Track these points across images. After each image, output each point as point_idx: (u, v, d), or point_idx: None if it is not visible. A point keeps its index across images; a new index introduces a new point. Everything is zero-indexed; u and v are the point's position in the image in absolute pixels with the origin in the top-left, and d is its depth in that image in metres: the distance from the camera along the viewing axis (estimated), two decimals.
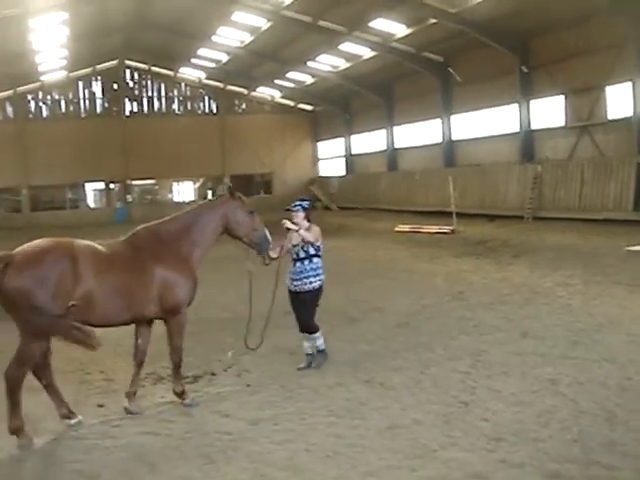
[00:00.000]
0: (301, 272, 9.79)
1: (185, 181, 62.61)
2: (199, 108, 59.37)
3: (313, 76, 49.45)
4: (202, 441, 7.31)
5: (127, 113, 57.22)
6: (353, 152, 55.37)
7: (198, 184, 62.77)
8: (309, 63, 45.93)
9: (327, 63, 45.78)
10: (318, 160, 62.06)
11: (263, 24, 40.02)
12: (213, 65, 52.01)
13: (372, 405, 8.12)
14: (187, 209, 8.85)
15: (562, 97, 32.57)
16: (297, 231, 9.69)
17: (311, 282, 9.81)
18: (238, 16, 39.44)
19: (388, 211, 42.66)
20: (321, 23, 38.27)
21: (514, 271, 17.91)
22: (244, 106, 60.35)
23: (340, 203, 52.68)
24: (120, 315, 7.98)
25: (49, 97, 55.43)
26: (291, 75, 50.60)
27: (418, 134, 45.37)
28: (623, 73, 28.30)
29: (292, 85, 53.59)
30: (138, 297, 7.99)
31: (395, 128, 47.89)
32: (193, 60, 51.94)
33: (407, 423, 7.49)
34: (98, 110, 56.84)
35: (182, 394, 8.50)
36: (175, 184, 62.90)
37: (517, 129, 35.26)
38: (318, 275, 9.89)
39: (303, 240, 9.75)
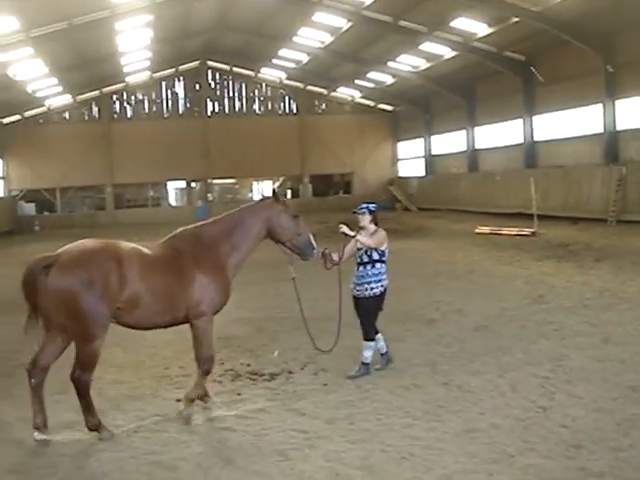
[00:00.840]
0: (363, 277, 9.49)
1: (265, 180, 63.14)
2: (279, 108, 59.84)
3: (393, 76, 49.29)
4: (278, 438, 7.36)
5: (209, 113, 58.12)
6: (433, 153, 54.97)
7: (278, 183, 63.23)
8: (389, 63, 45.83)
9: (407, 63, 45.59)
10: (398, 160, 61.80)
11: (344, 24, 40.12)
12: (294, 65, 52.34)
13: (449, 408, 8.04)
14: (233, 210, 8.66)
15: None
16: (354, 237, 9.34)
17: (372, 288, 9.45)
18: (319, 17, 39.62)
19: (468, 212, 42.27)
20: (402, 23, 38.17)
21: (596, 275, 17.50)
22: (324, 106, 60.57)
23: (419, 204, 52.45)
24: (160, 318, 7.93)
25: (133, 97, 56.83)
26: (371, 75, 50.57)
27: (499, 135, 44.79)
28: None
29: (372, 85, 53.54)
30: (177, 300, 7.88)
31: (476, 129, 47.36)
32: (274, 61, 52.35)
33: (485, 427, 7.40)
34: (180, 110, 57.91)
35: (191, 402, 8.16)
36: (255, 183, 63.52)
37: (601, 129, 34.46)
38: (380, 281, 9.50)
39: (368, 246, 9.43)
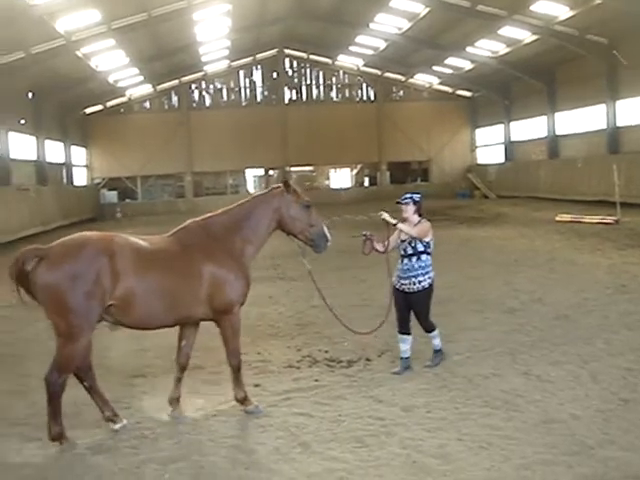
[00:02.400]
0: (408, 270, 9.11)
1: (342, 168, 63.18)
2: (357, 95, 59.70)
3: (472, 62, 48.63)
4: (355, 425, 7.38)
5: (286, 101, 58.38)
6: (512, 139, 54.10)
7: (355, 171, 63.21)
8: (468, 48, 45.24)
9: (486, 48, 44.92)
10: (476, 147, 61.06)
11: (421, 10, 39.79)
12: (371, 52, 52.14)
13: (529, 398, 7.94)
14: (239, 202, 8.22)
15: None
16: (395, 225, 8.97)
17: (420, 282, 9.08)
18: (396, 2, 39.39)
19: (548, 200, 41.51)
20: (480, 7, 37.64)
21: None
22: (401, 93, 60.19)
23: (498, 191, 51.76)
24: (163, 317, 7.45)
25: (212, 86, 57.42)
26: (449, 61, 50.03)
27: (581, 120, 43.77)
28: None
29: (450, 71, 52.96)
30: (184, 297, 7.46)
31: (557, 114, 46.38)
32: (351, 48, 52.22)
33: (564, 418, 7.29)
34: (258, 98, 58.36)
35: (244, 401, 7.92)
36: (332, 171, 63.62)
37: None
38: (427, 274, 9.13)
39: (411, 235, 9.09)
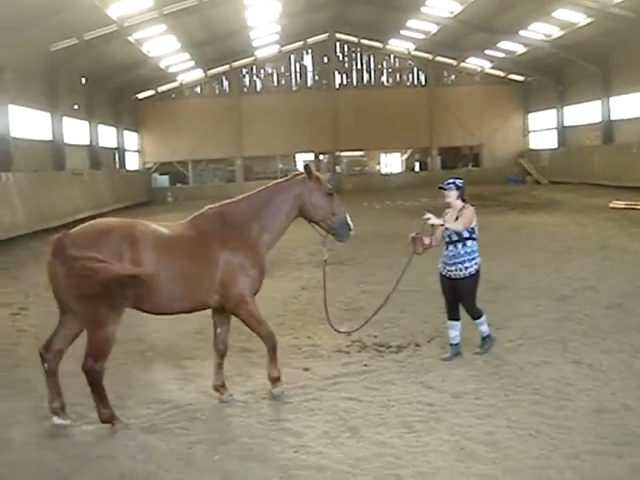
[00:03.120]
0: (454, 257, 9.03)
1: (393, 153, 62.92)
2: (408, 80, 59.26)
3: (525, 45, 47.93)
4: (404, 410, 7.40)
5: (337, 85, 58.24)
6: (565, 124, 53.30)
7: (405, 156, 62.93)
8: (521, 32, 44.56)
9: (539, 31, 44.26)
10: (528, 132, 60.27)
11: None
12: (422, 36, 51.71)
13: (580, 387, 7.88)
14: (261, 188, 8.20)
15: None
16: (443, 225, 8.89)
17: (467, 268, 9.01)
18: None
19: (602, 186, 40.83)
20: None
21: None
22: (453, 77, 59.65)
23: (551, 177, 51.12)
24: (180, 303, 7.48)
25: (262, 71, 57.52)
26: (502, 45, 49.36)
27: (636, 105, 42.90)
28: None
29: (503, 55, 52.25)
30: (201, 284, 7.46)
31: (611, 99, 45.54)
32: (402, 32, 51.82)
33: (616, 408, 7.21)
34: (309, 83, 58.31)
35: (276, 381, 7.90)
36: (383, 155, 63.42)
37: None
38: (474, 259, 9.05)
39: (457, 220, 9.01)
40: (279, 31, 48.79)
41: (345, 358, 9.37)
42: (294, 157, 59.55)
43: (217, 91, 57.36)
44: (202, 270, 7.45)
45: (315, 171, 8.22)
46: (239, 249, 7.65)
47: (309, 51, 57.69)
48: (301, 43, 56.45)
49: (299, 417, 7.36)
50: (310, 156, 59.36)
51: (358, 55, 58.34)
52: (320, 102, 56.53)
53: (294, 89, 57.85)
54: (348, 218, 8.17)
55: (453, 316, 9.24)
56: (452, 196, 9.20)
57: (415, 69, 59.13)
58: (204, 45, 46.53)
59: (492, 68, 57.21)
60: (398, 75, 59.14)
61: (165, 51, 44.14)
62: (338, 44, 57.65)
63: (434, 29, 48.78)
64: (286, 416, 7.40)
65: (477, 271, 9.12)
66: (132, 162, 54.32)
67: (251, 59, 55.96)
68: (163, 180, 55.61)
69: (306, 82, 58.22)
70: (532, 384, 8.00)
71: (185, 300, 7.46)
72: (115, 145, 49.78)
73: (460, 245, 9.03)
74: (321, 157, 59.35)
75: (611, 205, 29.41)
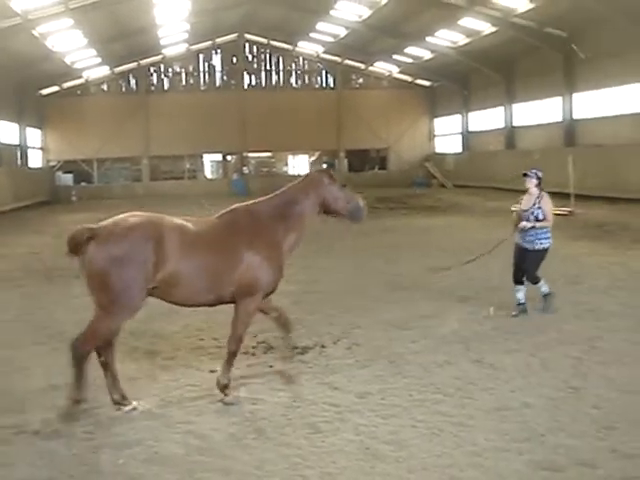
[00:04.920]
0: (534, 234, 11.23)
1: (301, 154, 63.12)
2: (316, 82, 59.58)
3: (432, 51, 48.77)
4: (310, 411, 7.42)
5: (245, 86, 57.99)
6: (470, 129, 54.56)
7: (313, 158, 63.19)
8: (428, 38, 45.31)
9: (446, 38, 45.09)
10: (434, 137, 61.40)
11: None
12: (331, 39, 52.04)
13: (481, 385, 8.05)
14: (283, 189, 8.42)
15: None
16: (534, 227, 11.20)
17: (542, 242, 11.26)
18: None
19: (505, 190, 41.80)
20: None
21: (633, 256, 17.27)
22: (361, 81, 60.24)
23: (455, 181, 52.17)
24: (204, 297, 7.71)
25: (170, 70, 56.84)
26: (409, 50, 50.08)
27: (538, 112, 44.26)
28: None
29: (410, 60, 53.02)
30: (222, 279, 7.65)
31: (514, 105, 46.84)
32: (311, 34, 52.08)
33: (516, 406, 7.40)
34: (217, 83, 57.93)
35: (224, 388, 7.85)
36: (291, 157, 63.55)
37: None
38: (548, 238, 11.31)
39: (534, 205, 11.30)
40: (188, 29, 48.27)
41: (251, 359, 9.33)
42: (201, 157, 59.07)
43: (124, 89, 56.36)
44: (225, 266, 7.65)
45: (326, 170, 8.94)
46: (264, 249, 7.87)
47: (218, 51, 57.29)
48: (210, 42, 55.98)
49: (205, 419, 7.30)
50: (218, 156, 59.03)
51: (267, 56, 58.28)
52: (228, 102, 56.19)
53: (202, 89, 57.36)
54: (360, 202, 8.71)
55: (519, 280, 11.41)
56: (532, 183, 11.52)
57: (324, 72, 59.47)
58: (111, 42, 45.54)
59: (400, 73, 58.03)
60: (307, 77, 59.37)
61: (71, 46, 42.99)
62: (247, 45, 57.43)
63: (343, 32, 49.20)
64: (192, 419, 7.32)
65: (547, 248, 11.36)
66: (35, 160, 52.79)
67: (159, 57, 55.16)
68: (67, 179, 54.17)
69: (215, 82, 57.80)
70: (435, 384, 8.13)
71: (208, 294, 7.67)
72: (17, 142, 48.30)
73: (538, 225, 11.22)
74: (229, 158, 59.01)
75: (513, 208, 30.05)
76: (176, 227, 7.45)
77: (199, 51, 56.42)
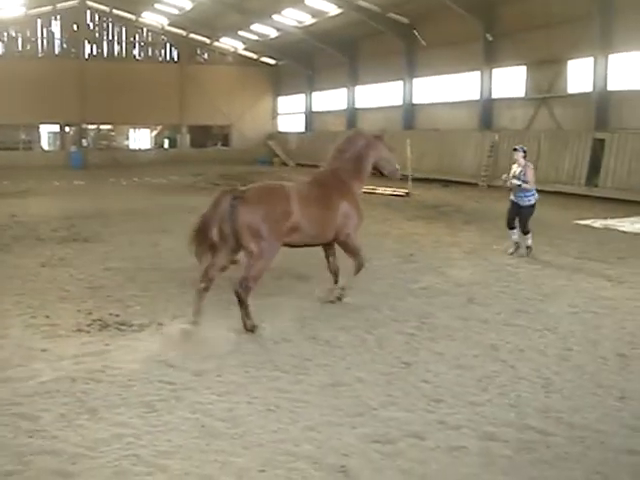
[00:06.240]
0: (522, 194, 14.72)
1: (142, 128, 61.83)
2: (160, 55, 58.39)
3: (278, 30, 48.90)
4: (145, 390, 7.32)
5: (86, 56, 55.97)
6: (313, 109, 55.11)
7: (155, 132, 62.07)
8: (274, 16, 45.39)
9: (292, 17, 45.32)
10: (277, 115, 61.63)
11: None
12: (177, 12, 51.12)
13: (317, 362, 8.20)
14: (346, 149, 10.91)
15: (524, 68, 32.84)
16: (520, 185, 14.61)
17: (529, 200, 14.73)
18: None
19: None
20: None
21: (465, 237, 18.09)
22: (206, 56, 59.58)
23: (298, 160, 52.54)
24: (312, 240, 10.16)
25: (5, 34, 53.92)
26: (255, 27, 50.02)
27: (379, 95, 45.29)
28: (585, 48, 28.60)
29: (256, 38, 52.96)
30: (328, 226, 10.13)
31: (357, 88, 47.72)
32: (156, 5, 51.00)
33: (350, 381, 7.59)
34: (56, 51, 55.59)
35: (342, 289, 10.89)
36: (132, 131, 62.11)
37: (477, 97, 35.48)
38: (534, 195, 14.78)
39: (521, 172, 14.65)
40: None
41: (85, 337, 9.09)
42: (38, 128, 56.61)
43: None
44: (329, 214, 10.18)
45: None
46: (350, 199, 10.53)
47: (58, 17, 54.93)
48: (50, 8, 53.49)
49: (34, 400, 7.02)
50: (55, 127, 56.80)
51: (109, 25, 56.50)
52: (68, 71, 54.03)
53: (40, 56, 54.77)
54: (394, 160, 11.44)
55: (512, 226, 14.99)
56: (520, 156, 14.81)
57: (168, 45, 58.36)
58: None
59: (245, 50, 57.80)
60: (150, 49, 58.07)
61: None
62: (89, 12, 55.43)
63: (189, 5, 48.42)
64: (21, 400, 7.02)
65: (533, 204, 14.80)
66: None
67: None
68: None
69: (53, 49, 55.41)
70: (273, 361, 8.21)
71: (315, 238, 10.21)
72: None
73: (523, 186, 14.65)
74: (67, 129, 56.92)
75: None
76: (295, 190, 9.86)
77: (38, 16, 53.81)
